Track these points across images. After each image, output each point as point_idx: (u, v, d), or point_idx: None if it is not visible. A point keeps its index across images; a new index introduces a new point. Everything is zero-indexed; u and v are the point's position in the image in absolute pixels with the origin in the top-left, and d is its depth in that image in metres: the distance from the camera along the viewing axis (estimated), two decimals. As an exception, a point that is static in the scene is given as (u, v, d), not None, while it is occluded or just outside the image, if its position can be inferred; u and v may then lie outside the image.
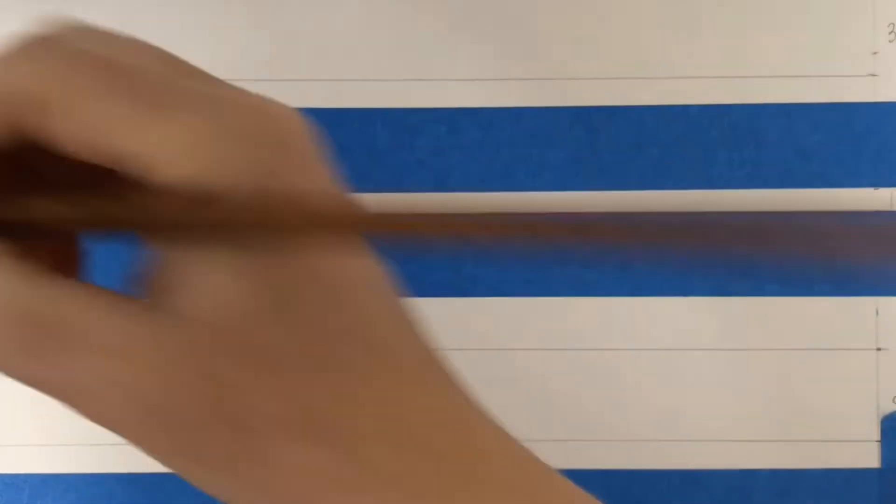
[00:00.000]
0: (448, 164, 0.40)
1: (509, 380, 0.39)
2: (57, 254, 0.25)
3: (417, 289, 0.39)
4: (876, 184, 0.40)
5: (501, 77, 0.40)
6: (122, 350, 0.22)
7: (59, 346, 0.22)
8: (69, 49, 0.22)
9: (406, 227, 0.21)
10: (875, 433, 0.39)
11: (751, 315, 0.40)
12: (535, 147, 0.40)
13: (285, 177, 0.22)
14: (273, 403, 0.22)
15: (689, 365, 0.39)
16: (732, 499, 0.39)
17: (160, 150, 0.21)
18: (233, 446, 0.22)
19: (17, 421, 0.39)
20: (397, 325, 0.24)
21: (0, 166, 0.23)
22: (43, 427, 0.39)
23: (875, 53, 0.40)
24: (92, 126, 0.21)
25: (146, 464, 0.39)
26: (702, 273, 0.19)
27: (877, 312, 0.40)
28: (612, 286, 0.40)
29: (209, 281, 0.22)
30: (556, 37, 0.40)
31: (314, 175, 0.24)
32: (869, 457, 0.39)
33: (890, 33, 0.40)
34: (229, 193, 0.21)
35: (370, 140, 0.40)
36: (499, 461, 0.24)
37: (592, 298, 0.40)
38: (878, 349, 0.39)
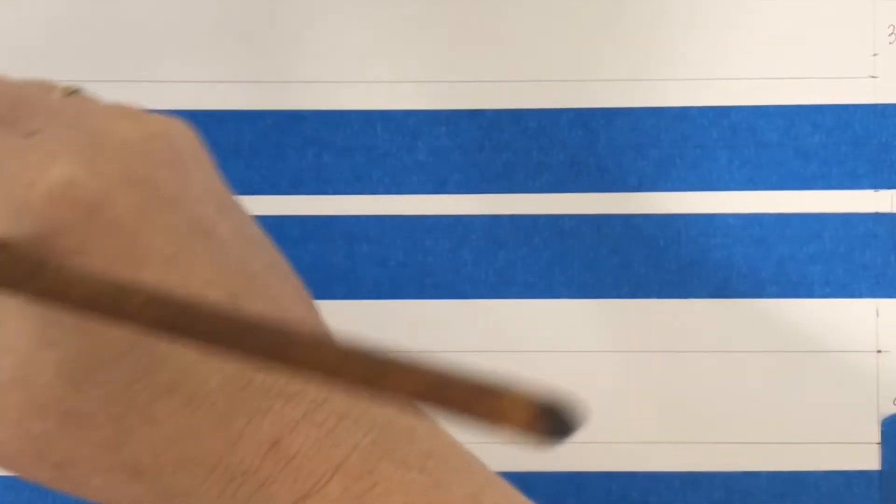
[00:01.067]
0: (448, 165, 0.40)
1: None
2: None
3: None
4: (876, 185, 0.40)
5: (501, 79, 0.40)
6: None
7: None
8: None
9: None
10: (875, 435, 0.39)
11: (751, 317, 0.40)
12: (534, 148, 0.40)
13: (88, 251, 0.24)
14: (84, 450, 0.26)
15: (688, 366, 0.39)
16: (732, 501, 0.39)
17: None
18: (58, 479, 0.26)
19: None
20: (213, 372, 0.26)
21: None
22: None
23: (875, 55, 0.40)
24: None
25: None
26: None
27: (877, 314, 0.40)
28: (612, 288, 0.40)
29: (21, 346, 0.24)
30: (555, 38, 0.40)
31: (127, 242, 0.25)
32: (869, 459, 0.39)
33: (890, 35, 0.40)
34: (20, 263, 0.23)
35: (370, 142, 0.40)
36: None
37: (593, 299, 0.40)
38: (879, 351, 0.39)
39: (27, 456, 0.26)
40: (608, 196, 0.40)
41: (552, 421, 0.17)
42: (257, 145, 0.40)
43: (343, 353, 0.20)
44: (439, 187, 0.40)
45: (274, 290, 0.28)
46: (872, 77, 0.40)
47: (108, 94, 0.29)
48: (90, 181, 0.24)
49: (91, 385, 0.25)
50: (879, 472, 0.39)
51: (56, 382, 0.25)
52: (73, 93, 0.28)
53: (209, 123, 0.37)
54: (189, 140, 0.27)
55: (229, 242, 0.27)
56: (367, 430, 0.27)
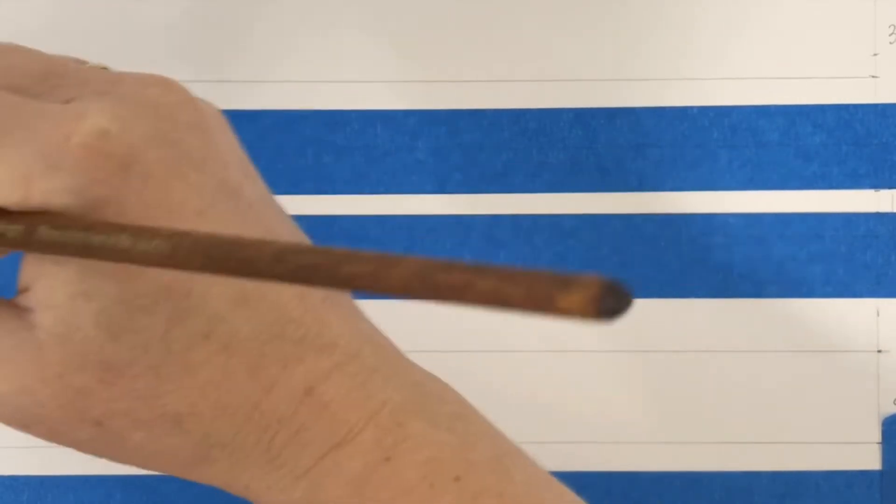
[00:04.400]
0: (448, 165, 0.40)
1: (507, 381, 0.39)
2: None
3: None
4: (877, 185, 0.40)
5: (501, 78, 0.40)
6: None
7: None
8: None
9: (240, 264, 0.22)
10: (876, 435, 0.39)
11: (751, 316, 0.39)
12: (534, 148, 0.40)
13: (122, 202, 0.25)
14: (123, 403, 0.26)
15: (688, 366, 0.39)
16: (733, 501, 0.39)
17: None
18: (97, 438, 0.27)
19: (15, 422, 0.39)
20: (244, 317, 0.27)
21: None
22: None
23: (876, 55, 0.40)
24: None
25: (145, 465, 0.39)
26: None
27: (877, 314, 0.39)
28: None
29: (60, 301, 0.25)
30: (555, 38, 0.40)
31: (159, 194, 0.26)
32: (870, 459, 0.39)
33: (890, 35, 0.40)
34: (59, 217, 0.24)
35: (370, 142, 0.40)
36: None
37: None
38: (879, 351, 0.39)
39: (67, 414, 0.26)
40: (608, 196, 0.40)
41: (608, 304, 0.19)
42: (257, 145, 0.40)
43: (409, 262, 0.20)
44: (439, 187, 0.40)
45: None
46: (873, 77, 0.40)
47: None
48: (123, 135, 0.25)
49: (128, 334, 0.25)
50: (880, 472, 0.39)
51: (95, 334, 0.25)
52: (102, 68, 0.28)
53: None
54: (213, 109, 0.28)
55: (256, 205, 0.28)
56: (398, 387, 0.27)
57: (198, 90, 0.28)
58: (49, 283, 0.25)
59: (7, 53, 0.27)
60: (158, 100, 0.27)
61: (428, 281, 0.20)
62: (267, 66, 0.40)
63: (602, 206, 0.40)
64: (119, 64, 0.28)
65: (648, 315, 0.39)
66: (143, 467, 0.28)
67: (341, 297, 0.28)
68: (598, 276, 0.19)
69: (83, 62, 0.29)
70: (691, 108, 0.40)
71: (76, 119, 0.25)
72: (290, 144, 0.40)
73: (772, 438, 0.39)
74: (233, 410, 0.27)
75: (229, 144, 0.28)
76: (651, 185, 0.40)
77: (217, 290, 0.26)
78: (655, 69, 0.40)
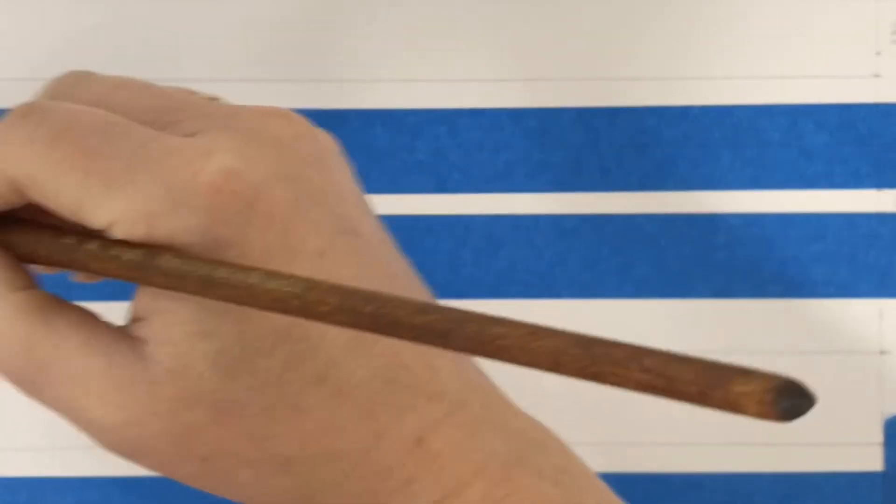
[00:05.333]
0: (448, 165, 0.40)
1: (507, 381, 0.39)
2: None
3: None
4: (879, 185, 0.40)
5: (501, 78, 0.40)
6: (100, 393, 0.26)
7: (49, 382, 0.26)
8: (48, 124, 0.25)
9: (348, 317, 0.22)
10: (878, 436, 0.39)
11: (753, 317, 0.39)
12: (535, 148, 0.40)
13: (245, 243, 0.25)
14: (233, 442, 0.26)
15: (690, 367, 0.39)
16: (734, 502, 0.39)
17: (117, 223, 0.25)
18: (203, 473, 0.26)
19: (13, 423, 0.39)
20: (361, 364, 0.26)
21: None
22: (40, 430, 0.39)
23: (878, 54, 0.40)
24: (65, 204, 0.25)
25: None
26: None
27: (880, 315, 0.39)
28: (614, 288, 0.40)
29: (177, 338, 0.25)
30: (556, 37, 0.40)
31: (281, 235, 0.26)
32: (872, 460, 0.39)
33: (893, 33, 0.40)
34: (174, 259, 0.25)
35: (369, 141, 0.40)
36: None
37: (594, 300, 0.39)
38: (882, 352, 0.39)
39: (176, 449, 0.26)
40: (609, 196, 0.40)
41: (788, 401, 0.17)
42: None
43: (561, 340, 0.20)
44: (439, 187, 0.40)
45: (413, 295, 0.28)
46: (876, 76, 0.40)
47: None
48: (248, 173, 0.25)
49: (244, 376, 0.25)
50: (883, 474, 0.39)
51: (210, 374, 0.25)
52: (213, 99, 0.29)
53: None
54: (331, 143, 0.28)
55: (372, 242, 0.28)
56: (506, 438, 0.27)
57: (197, 90, 0.29)
58: (167, 318, 0.25)
59: (128, 86, 0.28)
60: (279, 133, 0.27)
61: (584, 356, 0.19)
62: (266, 66, 0.40)
63: (603, 205, 0.40)
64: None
65: (649, 315, 0.39)
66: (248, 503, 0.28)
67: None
68: (777, 374, 0.18)
69: (195, 93, 0.29)
70: (693, 107, 0.40)
71: (204, 156, 0.25)
72: (290, 144, 0.40)
73: (773, 440, 0.39)
74: (342, 456, 0.26)
75: (346, 177, 0.28)
76: (652, 184, 0.40)
77: (333, 333, 0.26)
78: (657, 68, 0.40)
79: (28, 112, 0.26)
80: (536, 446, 0.28)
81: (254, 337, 0.25)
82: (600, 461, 0.39)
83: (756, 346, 0.39)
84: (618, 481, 0.39)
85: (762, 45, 0.40)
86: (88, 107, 0.26)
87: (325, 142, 0.28)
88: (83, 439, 0.39)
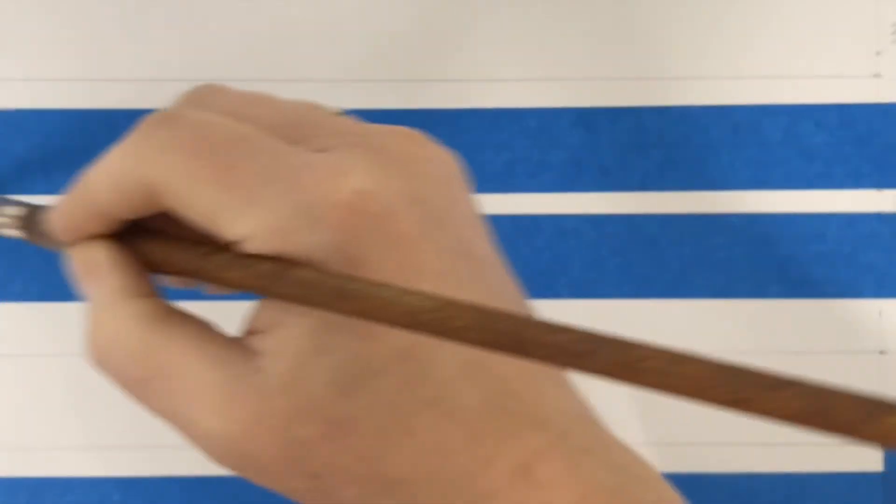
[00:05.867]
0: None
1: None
2: None
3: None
4: (879, 185, 0.40)
5: (501, 78, 0.40)
6: (213, 404, 0.26)
7: (161, 390, 0.26)
8: (187, 132, 0.26)
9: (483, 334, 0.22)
10: (878, 436, 0.39)
11: (753, 317, 0.39)
12: (535, 148, 0.40)
13: (373, 262, 0.25)
14: (344, 459, 0.26)
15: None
16: (735, 503, 0.39)
17: (252, 236, 0.25)
18: (310, 490, 0.26)
19: (14, 423, 0.39)
20: (477, 391, 0.26)
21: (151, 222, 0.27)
22: (41, 429, 0.39)
23: (878, 53, 0.40)
24: (200, 213, 0.25)
25: (145, 467, 0.39)
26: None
27: (880, 315, 0.39)
28: (614, 287, 0.40)
29: (295, 352, 0.25)
30: (556, 37, 0.40)
31: (407, 255, 0.26)
32: (873, 461, 0.39)
33: (893, 33, 0.40)
34: (309, 271, 0.24)
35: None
36: None
37: (594, 300, 0.39)
38: (881, 352, 0.39)
39: (285, 464, 0.26)
40: (610, 196, 0.40)
41: None
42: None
43: (705, 367, 0.19)
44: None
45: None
46: (876, 76, 0.40)
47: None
48: (381, 194, 0.25)
49: (359, 393, 0.25)
50: (882, 474, 0.39)
51: (325, 390, 0.25)
52: (339, 114, 0.29)
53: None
54: (455, 165, 0.28)
55: (489, 266, 0.27)
56: (609, 470, 0.27)
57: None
58: (286, 332, 0.25)
59: (260, 100, 0.28)
60: (408, 154, 0.27)
61: (730, 383, 0.19)
62: (266, 66, 0.40)
63: (603, 205, 0.40)
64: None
65: (649, 315, 0.39)
66: None
67: (555, 370, 0.28)
68: None
69: (321, 106, 0.29)
70: (693, 107, 0.40)
71: (339, 174, 0.25)
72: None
73: (773, 440, 0.39)
74: (447, 481, 0.26)
75: (467, 200, 0.28)
76: (652, 184, 0.40)
77: (447, 356, 0.26)
78: (657, 69, 0.40)
79: (167, 119, 0.26)
80: (639, 480, 0.27)
81: (371, 355, 0.25)
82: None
83: (756, 346, 0.39)
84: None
85: (762, 45, 0.40)
86: (225, 118, 0.26)
87: (450, 164, 0.28)
88: (83, 439, 0.39)
